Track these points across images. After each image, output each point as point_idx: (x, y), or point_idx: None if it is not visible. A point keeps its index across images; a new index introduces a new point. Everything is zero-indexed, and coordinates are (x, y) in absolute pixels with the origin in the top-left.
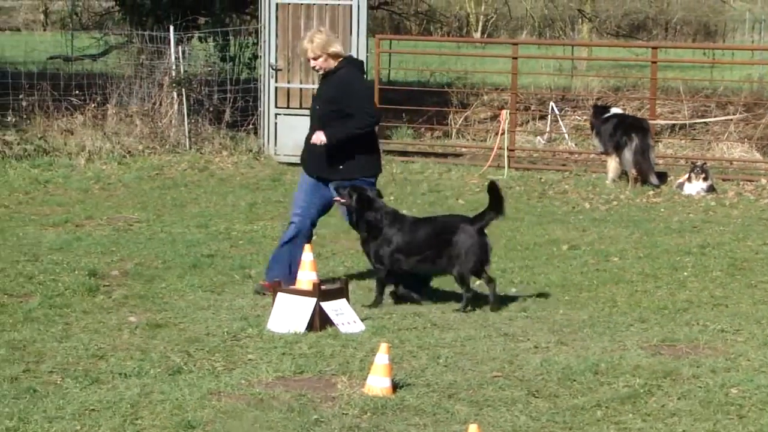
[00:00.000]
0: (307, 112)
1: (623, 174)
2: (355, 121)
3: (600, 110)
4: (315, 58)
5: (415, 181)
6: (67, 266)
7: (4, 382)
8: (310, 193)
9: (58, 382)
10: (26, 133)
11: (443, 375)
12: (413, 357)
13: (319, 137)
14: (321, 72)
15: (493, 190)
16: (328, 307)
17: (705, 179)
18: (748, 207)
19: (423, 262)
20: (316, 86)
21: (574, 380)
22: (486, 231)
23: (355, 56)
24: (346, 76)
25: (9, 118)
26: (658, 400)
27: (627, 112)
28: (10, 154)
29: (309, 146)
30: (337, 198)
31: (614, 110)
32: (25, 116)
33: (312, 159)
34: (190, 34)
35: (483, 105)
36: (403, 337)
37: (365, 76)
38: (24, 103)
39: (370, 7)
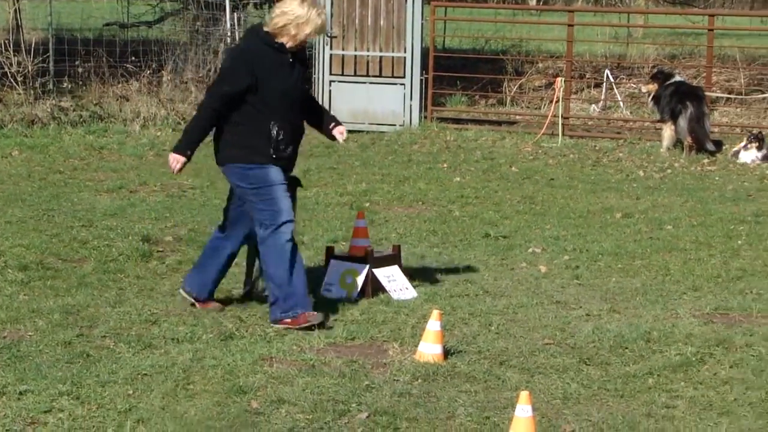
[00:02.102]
0: (362, 79)
1: (678, 142)
2: None
3: (664, 76)
4: None
5: (469, 148)
6: (120, 232)
7: (58, 346)
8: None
9: (111, 346)
10: (82, 100)
11: (495, 342)
12: (465, 324)
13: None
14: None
15: None
16: (380, 273)
17: (760, 148)
18: None
19: None
20: (371, 53)
21: (626, 348)
22: None
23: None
24: None
25: (65, 85)
26: (710, 368)
27: (684, 78)
28: (66, 120)
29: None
30: None
31: (676, 78)
32: (81, 83)
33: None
34: (245, 1)
35: (538, 73)
36: (454, 304)
37: None
38: (80, 70)
39: None
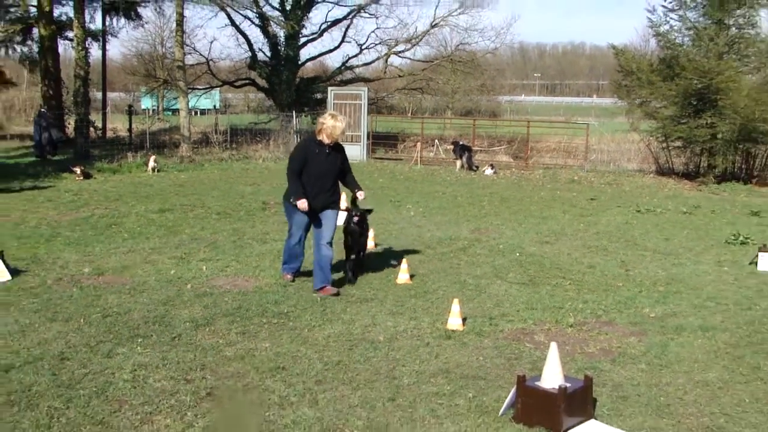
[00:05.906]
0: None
1: (462, 167)
2: None
3: (456, 143)
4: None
5: (386, 169)
6: (253, 199)
7: (229, 242)
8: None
9: (251, 243)
10: (239, 152)
11: (397, 240)
12: (396, 240)
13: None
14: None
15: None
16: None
17: (492, 168)
18: (509, 178)
19: None
20: (347, 133)
21: (441, 243)
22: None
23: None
24: None
25: (234, 146)
26: (474, 250)
27: (465, 142)
28: (234, 159)
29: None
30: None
31: (461, 142)
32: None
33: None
34: (301, 113)
35: (411, 140)
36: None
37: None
38: (242, 140)
39: (369, 103)
